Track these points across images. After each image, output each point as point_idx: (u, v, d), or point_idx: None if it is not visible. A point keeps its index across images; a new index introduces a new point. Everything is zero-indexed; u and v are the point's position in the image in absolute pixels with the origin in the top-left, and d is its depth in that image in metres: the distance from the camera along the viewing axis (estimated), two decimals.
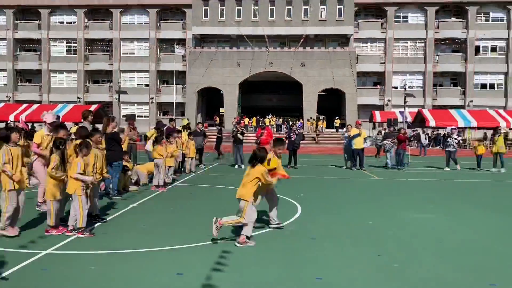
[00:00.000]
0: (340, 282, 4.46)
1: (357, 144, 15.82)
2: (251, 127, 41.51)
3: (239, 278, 4.52)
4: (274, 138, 7.78)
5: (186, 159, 13.84)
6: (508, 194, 10.74)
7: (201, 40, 47.39)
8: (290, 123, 32.05)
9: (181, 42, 47.55)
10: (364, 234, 6.34)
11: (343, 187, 11.52)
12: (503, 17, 45.63)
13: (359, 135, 15.87)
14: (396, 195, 10.32)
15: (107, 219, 7.08)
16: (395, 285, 4.37)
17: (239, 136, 16.06)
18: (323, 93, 44.57)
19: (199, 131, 16.34)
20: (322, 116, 45.04)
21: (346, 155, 16.62)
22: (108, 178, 8.02)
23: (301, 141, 16.82)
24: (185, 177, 13.03)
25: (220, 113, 45.83)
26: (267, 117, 42.82)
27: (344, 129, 20.57)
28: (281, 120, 44.40)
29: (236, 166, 15.93)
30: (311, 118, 41.48)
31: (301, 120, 42.66)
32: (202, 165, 15.93)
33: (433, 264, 5.05)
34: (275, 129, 40.29)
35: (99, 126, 9.53)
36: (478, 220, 7.49)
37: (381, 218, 7.53)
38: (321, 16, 45.03)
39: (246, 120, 41.81)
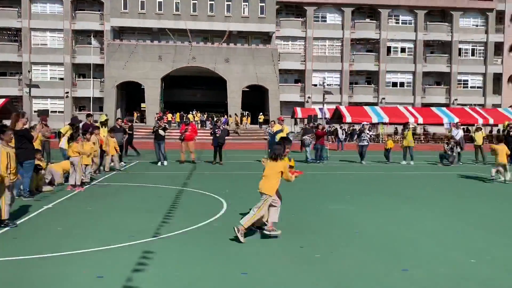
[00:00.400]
0: (264, 276, 4.53)
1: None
2: (175, 122, 40.78)
3: (162, 277, 4.42)
4: (282, 137, 7.46)
5: (105, 156, 13.25)
6: (417, 184, 11.63)
7: (120, 32, 45.57)
8: (215, 119, 31.99)
9: (99, 34, 45.31)
10: (288, 227, 6.51)
11: None
12: (411, 20, 49.24)
13: (281, 131, 16.22)
14: (316, 188, 10.73)
15: (18, 222, 6.55)
16: (317, 275, 4.53)
17: (161, 132, 15.66)
18: (247, 89, 45.02)
19: (118, 127, 15.69)
20: (247, 112, 45.50)
21: (270, 151, 16.93)
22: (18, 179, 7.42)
23: (226, 137, 16.83)
24: (104, 175, 12.47)
25: (142, 109, 44.47)
26: (191, 112, 42.33)
27: (268, 125, 20.99)
28: (205, 116, 44.15)
29: (159, 164, 15.55)
30: (235, 114, 41.70)
31: (225, 116, 42.75)
32: (122, 162, 15.33)
33: (351, 252, 5.31)
34: (199, 125, 39.97)
35: (7, 123, 8.79)
36: (391, 210, 8.02)
37: (303, 211, 7.78)
38: (244, 13, 45.37)
39: (169, 115, 40.98)
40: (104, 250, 5.28)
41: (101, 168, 13.16)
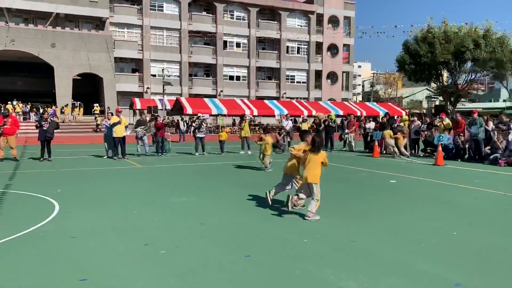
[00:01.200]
0: (106, 279, 4.22)
1: (118, 132, 15.37)
2: None
3: None
4: (302, 130, 8.14)
5: None
6: (257, 172, 12.32)
7: None
8: (41, 110, 28.70)
9: None
10: (130, 225, 6.20)
11: (106, 178, 11.01)
12: (245, 17, 51.84)
13: (119, 123, 15.43)
14: (160, 181, 10.51)
15: None
16: (161, 272, 4.41)
17: None
18: (79, 77, 41.60)
19: None
20: (78, 102, 42.05)
21: (106, 144, 15.96)
22: None
23: (55, 130, 15.21)
24: None
25: None
26: (10, 103, 37.21)
27: (103, 117, 19.69)
28: (29, 106, 39.35)
29: None
30: (66, 105, 38.16)
31: (53, 106, 38.77)
32: None
33: (198, 245, 5.32)
34: (21, 117, 35.41)
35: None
36: (233, 198, 8.32)
37: (146, 206, 7.52)
38: None
39: None
40: None
41: None
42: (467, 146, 15.89)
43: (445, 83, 53.35)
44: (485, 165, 14.13)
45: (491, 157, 14.52)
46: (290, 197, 6.72)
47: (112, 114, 16.02)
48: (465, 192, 9.18)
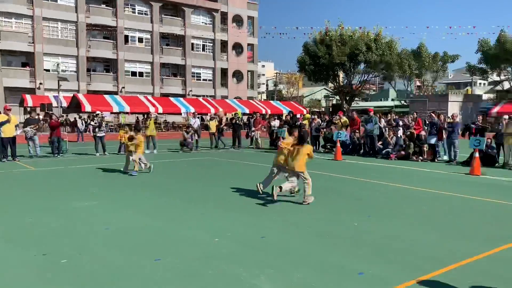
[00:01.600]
0: None
1: (6, 132, 13.93)
2: None
3: None
4: (290, 125, 9.72)
5: None
6: (163, 172, 11.99)
7: None
8: None
9: None
10: (25, 234, 5.65)
11: None
12: (148, 11, 50.22)
13: (8, 121, 13.99)
14: (57, 185, 9.75)
15: None
16: (62, 283, 4.08)
17: None
18: None
19: None
20: None
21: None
22: None
23: None
24: None
25: None
26: None
27: None
28: None
29: None
30: None
31: None
32: None
33: (102, 251, 5.02)
34: None
35: None
36: (137, 200, 8.00)
37: (43, 212, 6.92)
38: None
39: None
40: None
41: None
42: (362, 141, 17.12)
43: (341, 83, 57.04)
44: (379, 159, 15.36)
45: (383, 151, 15.81)
46: (275, 187, 7.43)
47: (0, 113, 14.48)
48: (362, 185, 9.86)
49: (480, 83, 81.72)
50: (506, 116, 14.04)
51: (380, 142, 16.34)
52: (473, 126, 14.96)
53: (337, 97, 62.96)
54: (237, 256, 4.88)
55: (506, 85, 54.41)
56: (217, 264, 4.59)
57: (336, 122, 18.70)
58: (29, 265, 4.56)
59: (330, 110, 63.97)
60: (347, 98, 55.88)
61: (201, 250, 5.06)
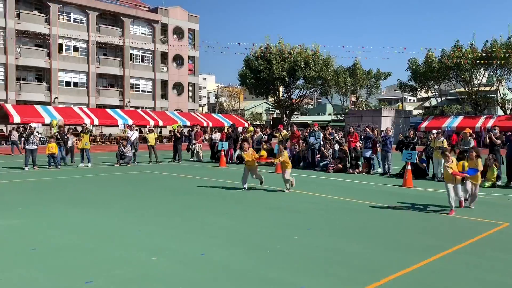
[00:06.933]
0: None
1: None
2: None
3: None
4: (280, 140, 13.71)
5: None
6: (94, 187, 11.42)
7: None
8: None
9: None
10: None
11: None
12: (84, 20, 48.42)
13: None
14: None
15: None
16: None
17: None
18: None
19: None
20: None
21: None
22: None
23: None
24: None
25: None
26: None
27: None
28: None
29: None
30: None
31: None
32: None
33: (27, 274, 4.60)
34: None
35: None
36: (67, 218, 7.51)
37: None
38: None
39: None
40: None
41: None
42: (301, 154, 17.42)
43: (281, 97, 58.20)
44: (318, 172, 15.69)
45: (322, 164, 16.18)
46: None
47: None
48: (302, 197, 9.98)
49: (410, 99, 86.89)
50: (434, 131, 14.93)
51: (319, 155, 16.72)
52: (405, 140, 15.73)
53: (278, 111, 64.12)
54: (175, 275, 4.68)
55: (434, 102, 58.30)
56: (152, 285, 4.36)
57: (277, 135, 18.91)
58: None
59: (271, 123, 64.92)
60: (287, 112, 57.05)
61: (137, 270, 4.80)
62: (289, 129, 19.73)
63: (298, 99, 57.77)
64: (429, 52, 47.34)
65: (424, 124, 45.17)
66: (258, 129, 19.87)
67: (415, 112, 66.04)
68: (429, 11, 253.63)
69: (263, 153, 11.49)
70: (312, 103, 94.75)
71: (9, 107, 33.18)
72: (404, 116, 48.64)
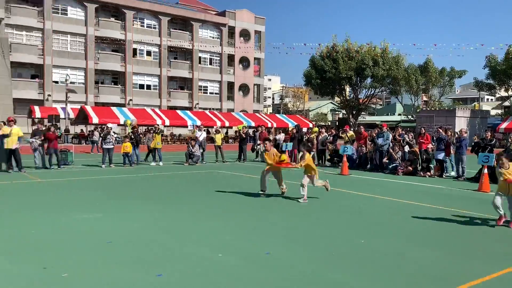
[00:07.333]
0: None
1: (9, 143, 13.91)
2: None
3: None
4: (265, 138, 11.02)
5: None
6: (166, 185, 11.94)
7: None
8: None
9: None
10: (25, 247, 5.58)
11: None
12: (156, 25, 50.78)
13: (8, 135, 13.90)
14: (61, 196, 9.70)
15: None
16: None
17: None
18: None
19: None
20: None
21: None
22: None
23: None
24: None
25: None
26: None
27: None
28: None
29: None
30: None
31: None
32: None
33: (104, 266, 4.93)
34: None
35: None
36: (142, 213, 7.92)
37: (46, 224, 6.86)
38: None
39: None
40: None
41: None
42: (369, 156, 16.97)
43: (348, 97, 57.03)
44: (386, 174, 15.20)
45: (391, 166, 15.65)
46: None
47: (4, 124, 14.49)
48: (367, 200, 9.73)
49: (487, 99, 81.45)
50: None
51: (386, 157, 16.20)
52: (481, 142, 14.78)
53: (344, 111, 62.92)
54: (239, 272, 4.78)
55: None
56: (217, 280, 4.48)
57: (343, 136, 18.60)
58: (30, 278, 4.48)
59: (337, 124, 63.88)
60: (354, 112, 55.82)
61: (203, 266, 4.95)
62: (355, 129, 19.32)
63: (366, 99, 56.31)
64: (510, 48, 44.06)
65: (504, 125, 42.04)
66: (323, 130, 19.65)
67: (493, 112, 61.80)
68: (508, 4, 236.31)
69: (284, 157, 10.15)
70: (381, 103, 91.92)
71: (88, 108, 35.61)
72: (481, 117, 45.64)
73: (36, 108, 38.69)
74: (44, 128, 16.72)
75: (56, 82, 43.97)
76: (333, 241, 6.15)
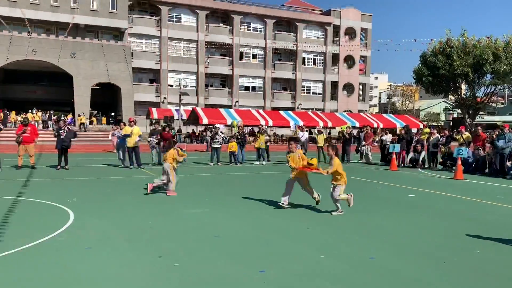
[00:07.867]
0: None
1: (130, 142, 15.38)
2: (11, 122, 36.06)
3: None
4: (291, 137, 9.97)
5: None
6: (269, 183, 12.19)
7: None
8: (59, 119, 29.15)
9: None
10: (143, 236, 6.13)
11: (120, 188, 11.01)
12: (261, 28, 52.10)
13: (129, 135, 15.33)
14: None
15: None
16: (175, 284, 4.32)
17: None
18: (97, 87, 42.23)
19: None
20: (96, 111, 42.65)
21: (120, 154, 15.99)
22: None
23: (72, 139, 15.35)
24: None
25: None
26: (30, 111, 37.89)
27: (117, 127, 19.80)
28: (47, 115, 40.01)
29: None
30: (82, 113, 38.66)
31: (71, 115, 39.35)
32: None
33: (211, 258, 5.22)
34: (41, 125, 36.02)
35: None
36: (244, 210, 8.20)
37: (160, 216, 7.46)
38: (92, 6, 42.45)
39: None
40: None
41: None
42: (487, 160, 15.51)
43: (463, 96, 52.62)
44: (508, 180, 13.75)
45: None
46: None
47: (124, 124, 16.07)
48: (488, 208, 8.89)
49: None
50: None
51: (510, 162, 14.63)
52: None
53: (459, 111, 58.23)
54: (342, 276, 4.70)
55: None
56: (320, 283, 4.46)
57: (457, 137, 17.24)
58: (147, 266, 4.91)
59: (450, 124, 59.36)
60: (470, 111, 51.35)
61: (306, 266, 4.97)
62: (472, 130, 17.78)
63: (485, 97, 51.44)
64: None
65: None
66: (435, 131, 18.40)
67: None
68: None
69: (314, 161, 8.43)
70: (503, 101, 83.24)
71: (199, 110, 37.82)
72: None
73: (154, 109, 42.16)
74: (160, 128, 18.20)
75: (171, 85, 47.46)
76: (441, 248, 5.74)
